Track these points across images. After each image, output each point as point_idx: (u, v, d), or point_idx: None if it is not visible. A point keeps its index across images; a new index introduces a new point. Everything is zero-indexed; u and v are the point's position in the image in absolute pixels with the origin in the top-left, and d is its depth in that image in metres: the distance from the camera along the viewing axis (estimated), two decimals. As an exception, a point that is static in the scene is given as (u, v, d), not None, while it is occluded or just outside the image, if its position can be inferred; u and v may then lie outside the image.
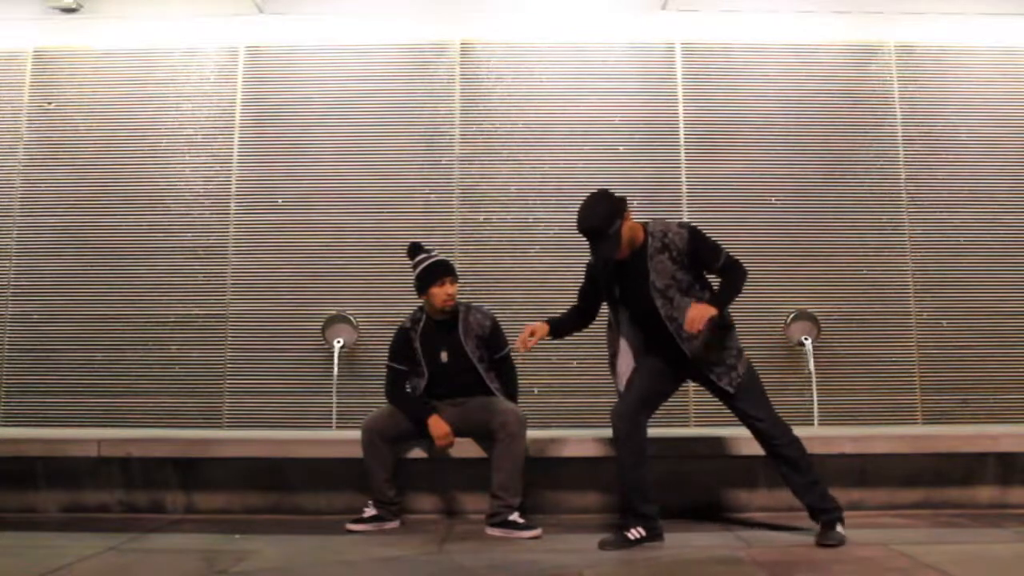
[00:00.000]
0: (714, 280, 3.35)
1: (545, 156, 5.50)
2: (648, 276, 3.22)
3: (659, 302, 3.21)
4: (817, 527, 3.21)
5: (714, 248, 3.27)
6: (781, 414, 3.35)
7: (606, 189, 3.27)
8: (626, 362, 3.39)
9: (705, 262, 3.27)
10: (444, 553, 3.18)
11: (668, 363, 3.31)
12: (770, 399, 3.30)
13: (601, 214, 3.14)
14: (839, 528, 3.16)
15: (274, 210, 5.46)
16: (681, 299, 3.20)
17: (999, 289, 5.37)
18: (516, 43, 5.62)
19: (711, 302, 3.15)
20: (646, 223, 3.34)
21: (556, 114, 5.53)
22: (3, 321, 5.38)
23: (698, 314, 3.05)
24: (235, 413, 5.26)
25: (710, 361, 3.25)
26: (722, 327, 3.25)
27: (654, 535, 3.21)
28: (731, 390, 3.24)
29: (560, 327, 3.55)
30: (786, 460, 3.25)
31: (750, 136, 5.52)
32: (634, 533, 3.19)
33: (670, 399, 3.47)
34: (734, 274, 3.24)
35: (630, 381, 3.35)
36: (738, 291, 3.23)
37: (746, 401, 3.26)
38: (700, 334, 3.14)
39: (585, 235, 3.16)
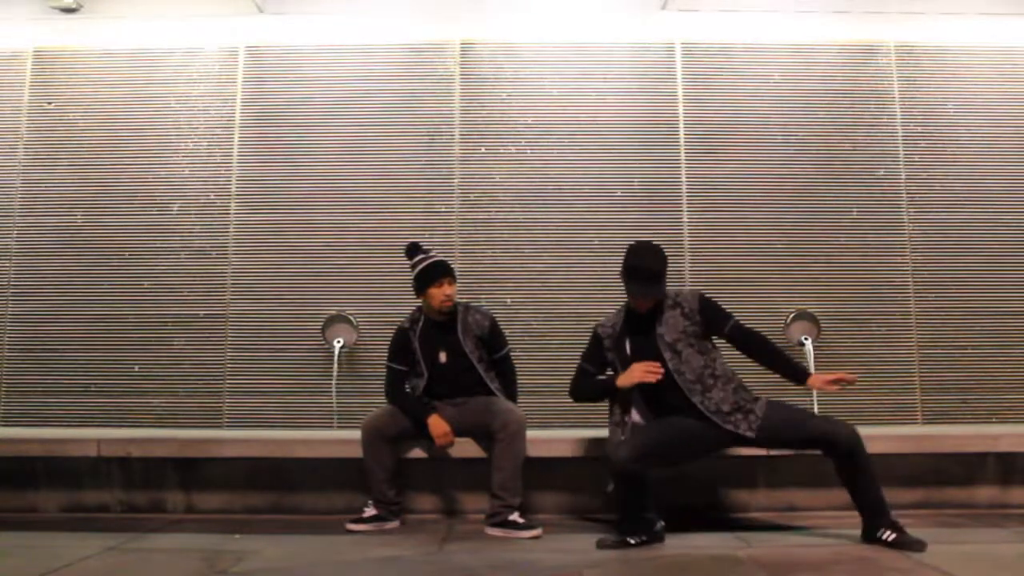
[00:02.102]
0: (722, 345, 3.41)
1: (545, 156, 5.50)
2: (656, 329, 3.32)
3: (667, 354, 3.27)
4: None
5: (725, 313, 3.39)
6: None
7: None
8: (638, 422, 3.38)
9: (713, 320, 3.35)
10: (444, 553, 3.18)
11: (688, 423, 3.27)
12: (804, 411, 3.33)
13: (661, 260, 3.32)
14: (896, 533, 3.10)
15: (274, 210, 5.46)
16: (690, 354, 3.27)
17: (999, 289, 5.37)
18: (516, 43, 5.62)
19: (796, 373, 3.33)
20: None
21: (556, 114, 5.53)
22: (3, 321, 5.38)
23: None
24: (235, 413, 5.26)
25: (724, 412, 3.24)
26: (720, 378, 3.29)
27: (654, 538, 3.21)
28: (751, 435, 3.22)
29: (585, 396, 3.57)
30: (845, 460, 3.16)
31: (750, 136, 5.52)
32: (633, 537, 3.19)
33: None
34: (760, 337, 3.36)
35: (638, 428, 3.34)
36: (778, 353, 3.38)
37: (774, 438, 3.26)
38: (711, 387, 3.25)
39: (642, 274, 3.27)
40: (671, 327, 3.31)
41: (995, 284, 5.37)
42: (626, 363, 3.35)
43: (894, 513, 3.19)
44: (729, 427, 3.23)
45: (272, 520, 3.80)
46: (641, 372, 3.23)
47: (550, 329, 5.30)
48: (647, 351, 3.31)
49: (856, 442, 3.13)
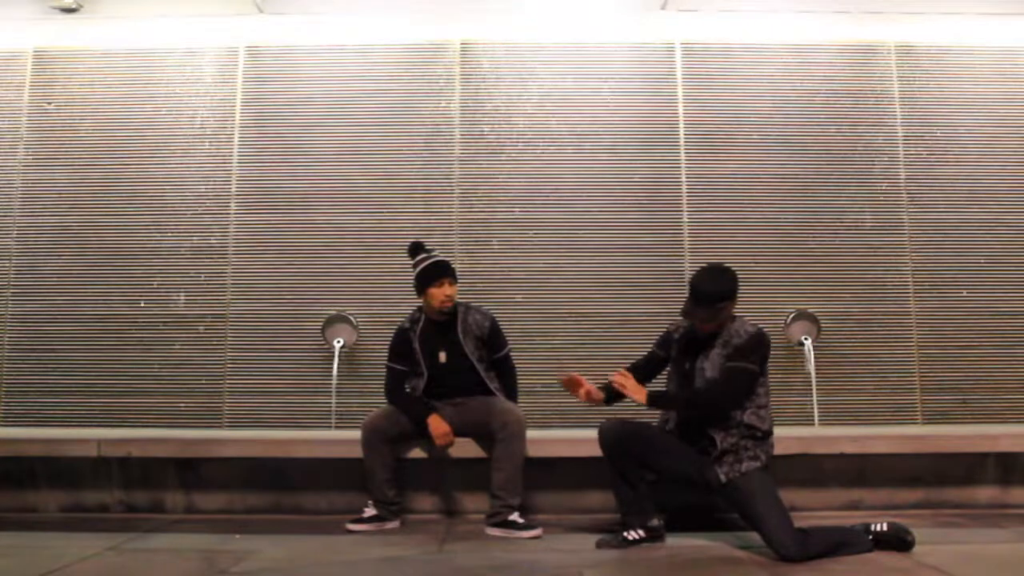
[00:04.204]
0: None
1: (545, 156, 5.50)
2: (702, 360, 3.23)
3: (699, 384, 3.23)
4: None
5: (744, 360, 3.15)
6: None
7: (733, 271, 3.30)
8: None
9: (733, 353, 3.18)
10: (444, 553, 3.18)
11: (698, 463, 3.18)
12: (778, 514, 3.02)
13: (722, 289, 3.19)
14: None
15: (274, 210, 5.46)
16: None
17: (999, 289, 5.37)
18: (516, 43, 5.62)
19: (658, 395, 3.28)
20: (734, 317, 3.27)
21: (556, 114, 5.53)
22: (3, 321, 5.38)
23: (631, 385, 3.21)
24: (235, 413, 5.26)
25: (724, 450, 3.08)
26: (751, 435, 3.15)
27: (654, 537, 3.21)
28: (722, 479, 3.07)
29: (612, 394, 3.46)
30: None
31: (750, 136, 5.52)
32: (632, 534, 3.19)
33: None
34: (710, 393, 3.17)
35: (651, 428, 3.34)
36: (689, 406, 3.23)
37: (735, 501, 3.09)
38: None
39: (698, 293, 3.17)
40: (712, 364, 3.19)
41: (995, 284, 5.37)
42: (680, 374, 3.31)
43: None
44: (713, 467, 3.10)
45: (272, 520, 3.79)
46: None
47: (550, 329, 5.30)
48: (689, 375, 3.26)
49: (794, 561, 2.91)
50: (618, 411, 4.06)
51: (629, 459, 3.22)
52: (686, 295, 3.23)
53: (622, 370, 3.31)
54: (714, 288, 3.19)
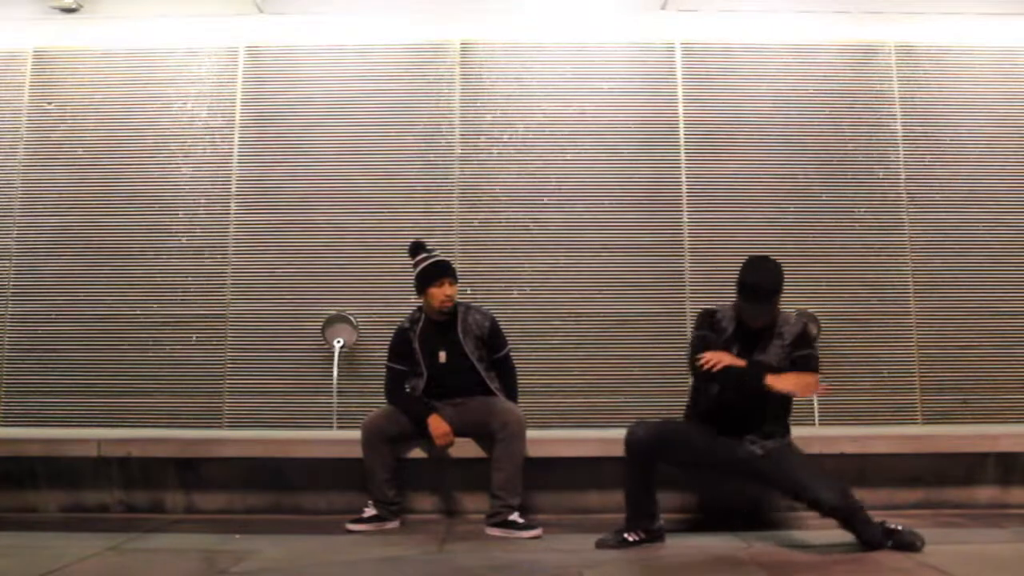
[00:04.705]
0: None
1: (545, 156, 5.50)
2: (757, 354, 3.20)
3: None
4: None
5: (811, 347, 3.24)
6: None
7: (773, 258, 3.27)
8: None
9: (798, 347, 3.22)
10: (444, 553, 3.18)
11: (727, 445, 3.23)
12: (816, 470, 3.17)
13: (776, 282, 3.18)
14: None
15: (274, 210, 5.46)
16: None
17: (999, 289, 5.37)
18: (516, 43, 5.62)
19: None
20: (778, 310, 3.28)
21: (556, 114, 5.53)
22: (3, 321, 5.38)
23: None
24: (235, 413, 5.26)
25: (764, 433, 3.20)
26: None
27: (654, 536, 3.21)
28: (760, 452, 3.18)
29: None
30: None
31: (750, 136, 5.52)
32: (632, 536, 3.19)
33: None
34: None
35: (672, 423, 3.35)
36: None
37: (773, 471, 3.17)
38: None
39: (757, 291, 3.13)
40: (773, 356, 3.20)
41: (995, 284, 5.37)
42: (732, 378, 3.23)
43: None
44: (747, 444, 3.20)
45: (272, 520, 3.79)
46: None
47: (550, 329, 5.30)
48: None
49: (837, 509, 3.06)
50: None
51: (669, 457, 3.21)
52: (739, 295, 3.15)
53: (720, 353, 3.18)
54: (775, 283, 3.17)
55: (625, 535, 3.20)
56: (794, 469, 3.15)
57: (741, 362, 3.13)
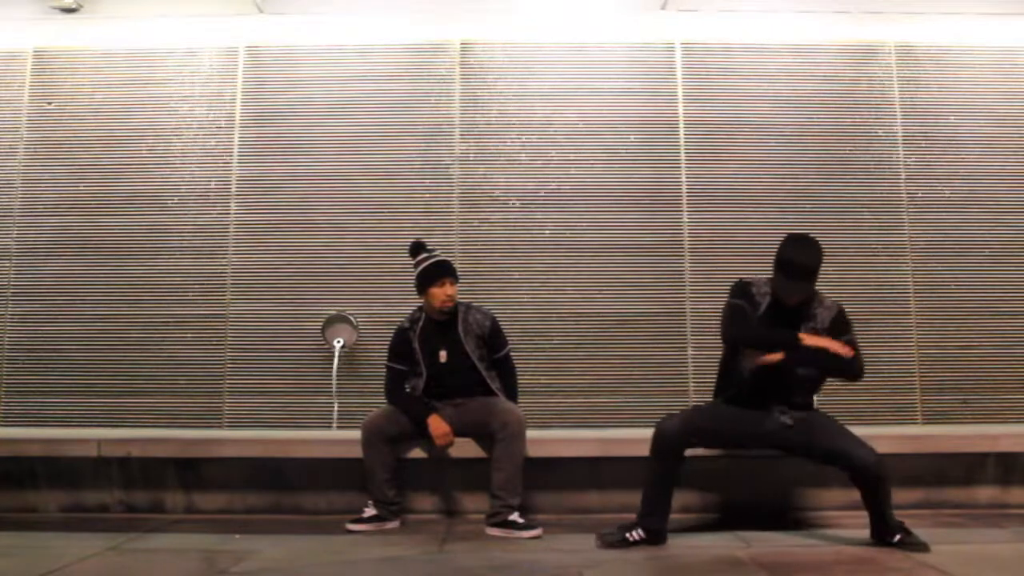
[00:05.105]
0: None
1: (545, 156, 5.50)
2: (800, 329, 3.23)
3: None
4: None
5: (850, 333, 3.29)
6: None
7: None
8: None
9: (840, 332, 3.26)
10: (444, 553, 3.19)
11: (756, 419, 3.30)
12: (849, 432, 3.25)
13: (818, 261, 3.18)
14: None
15: (274, 210, 5.46)
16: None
17: (999, 289, 5.37)
18: (516, 43, 5.62)
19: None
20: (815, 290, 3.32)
21: (556, 114, 5.53)
22: (3, 321, 5.37)
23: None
24: (235, 413, 5.26)
25: (793, 404, 3.27)
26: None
27: (655, 539, 3.20)
28: (790, 423, 3.24)
29: None
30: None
31: (750, 136, 5.52)
32: (634, 535, 3.20)
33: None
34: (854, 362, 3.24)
35: (702, 411, 3.38)
36: (840, 371, 3.28)
37: (807, 441, 3.23)
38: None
39: (800, 270, 3.14)
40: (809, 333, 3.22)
41: (995, 284, 5.37)
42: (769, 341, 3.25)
43: (895, 513, 3.19)
44: (776, 415, 3.26)
45: (272, 520, 3.80)
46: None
47: (550, 329, 5.30)
48: None
49: (876, 473, 3.13)
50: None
51: (701, 443, 3.29)
52: (778, 272, 3.17)
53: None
54: (817, 261, 3.17)
55: (628, 534, 3.20)
56: (827, 433, 3.21)
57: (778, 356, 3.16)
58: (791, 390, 3.27)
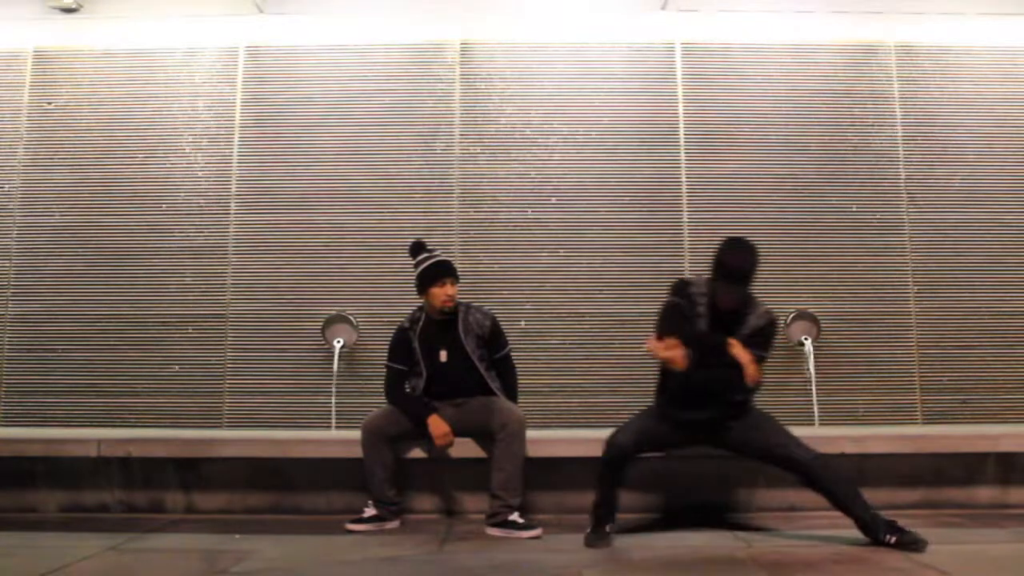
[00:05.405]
0: None
1: (545, 156, 5.50)
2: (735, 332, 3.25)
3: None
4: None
5: (765, 350, 3.27)
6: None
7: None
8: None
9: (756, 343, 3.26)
10: (444, 553, 3.18)
11: (682, 421, 3.33)
12: (787, 432, 3.30)
13: (753, 265, 3.19)
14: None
15: (274, 210, 5.46)
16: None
17: (999, 289, 5.37)
18: (516, 43, 5.62)
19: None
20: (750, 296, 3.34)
21: (556, 114, 5.53)
22: (3, 321, 5.38)
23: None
24: (235, 413, 5.26)
25: (732, 405, 3.29)
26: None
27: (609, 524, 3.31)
28: (731, 423, 3.28)
29: None
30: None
31: (750, 136, 5.52)
32: (611, 526, 3.30)
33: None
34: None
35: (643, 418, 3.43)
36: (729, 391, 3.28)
37: (746, 434, 3.28)
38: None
39: (734, 273, 3.16)
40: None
41: (995, 284, 5.37)
42: (694, 339, 3.23)
43: (894, 513, 3.19)
44: (715, 418, 3.29)
45: (272, 520, 3.79)
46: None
47: (550, 329, 5.30)
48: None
49: (814, 471, 3.17)
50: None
51: (648, 450, 3.35)
52: (713, 274, 3.18)
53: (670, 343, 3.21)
54: (753, 265, 3.18)
55: (607, 528, 3.28)
56: (763, 432, 3.28)
57: (681, 362, 3.16)
58: (728, 390, 3.25)
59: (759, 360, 3.20)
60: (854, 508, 3.16)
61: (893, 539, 3.07)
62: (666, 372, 3.36)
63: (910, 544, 3.04)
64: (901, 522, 3.13)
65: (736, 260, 3.16)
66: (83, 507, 3.97)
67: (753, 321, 3.24)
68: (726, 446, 3.36)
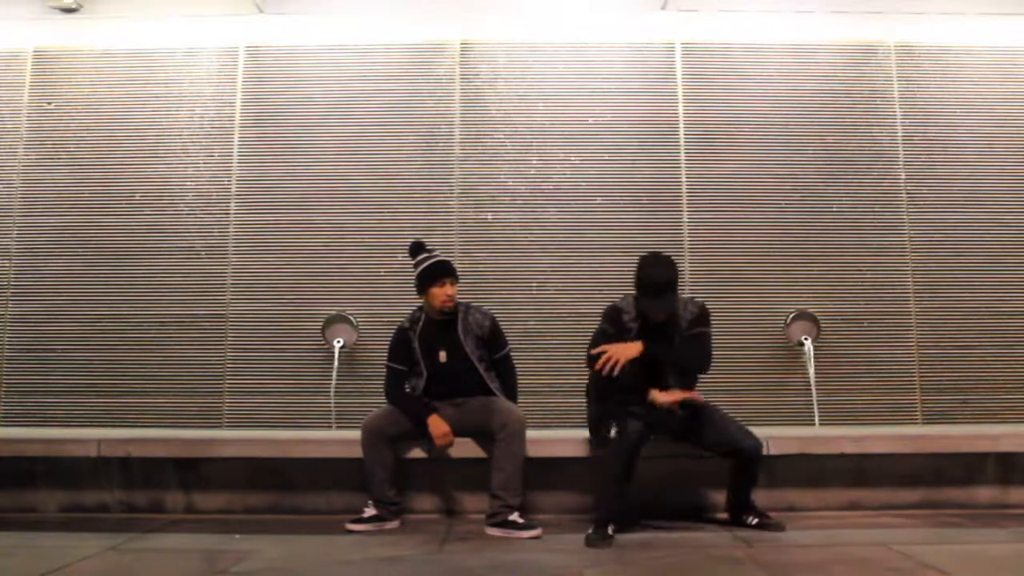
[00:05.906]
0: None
1: (545, 156, 5.50)
2: (674, 339, 3.48)
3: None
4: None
5: (706, 326, 3.53)
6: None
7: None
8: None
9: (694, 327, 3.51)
10: (444, 553, 3.18)
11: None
12: (731, 420, 3.54)
13: (673, 276, 3.42)
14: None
15: (274, 210, 5.46)
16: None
17: (999, 289, 5.37)
18: (516, 43, 5.62)
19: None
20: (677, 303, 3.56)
21: (556, 114, 5.53)
22: (3, 321, 5.38)
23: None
24: (235, 413, 5.26)
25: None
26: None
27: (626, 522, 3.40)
28: (683, 413, 3.46)
29: None
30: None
31: (750, 136, 5.52)
32: (611, 528, 3.30)
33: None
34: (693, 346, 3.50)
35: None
36: (684, 360, 3.52)
37: (700, 422, 3.49)
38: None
39: (660, 287, 3.35)
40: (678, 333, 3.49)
41: (995, 284, 5.37)
42: (641, 362, 3.41)
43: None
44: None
45: (272, 520, 3.79)
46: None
47: (550, 329, 5.30)
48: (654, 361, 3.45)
49: (757, 455, 3.45)
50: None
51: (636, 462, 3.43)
52: (638, 292, 3.39)
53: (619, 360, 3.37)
54: (672, 276, 3.40)
55: (608, 530, 3.28)
56: (713, 423, 3.48)
57: (635, 349, 3.34)
58: (667, 381, 3.44)
59: (702, 343, 3.45)
60: (751, 493, 3.50)
61: (755, 521, 3.45)
62: (599, 383, 3.49)
63: (772, 526, 3.39)
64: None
65: (657, 274, 3.38)
66: (83, 507, 3.97)
67: (687, 316, 3.47)
68: (676, 433, 3.53)
